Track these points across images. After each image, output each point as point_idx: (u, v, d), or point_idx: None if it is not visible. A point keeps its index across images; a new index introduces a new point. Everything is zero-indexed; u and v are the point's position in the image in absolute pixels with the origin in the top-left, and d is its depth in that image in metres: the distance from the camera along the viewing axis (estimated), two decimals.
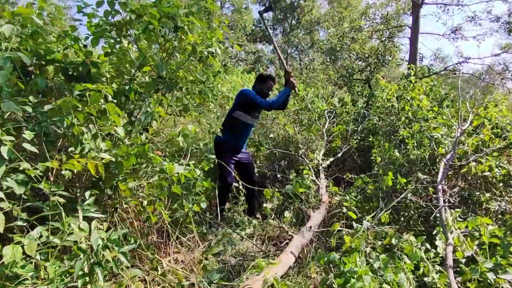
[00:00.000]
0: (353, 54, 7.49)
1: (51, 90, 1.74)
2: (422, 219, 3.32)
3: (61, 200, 1.22)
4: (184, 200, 2.33)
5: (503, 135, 3.39)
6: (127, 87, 2.12)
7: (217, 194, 3.40)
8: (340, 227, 2.96)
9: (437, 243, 2.49)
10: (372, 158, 3.57)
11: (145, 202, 1.83)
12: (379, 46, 7.34)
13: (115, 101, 1.72)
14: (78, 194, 1.62)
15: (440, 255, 2.39)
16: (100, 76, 2.14)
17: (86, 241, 1.31)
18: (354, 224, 2.33)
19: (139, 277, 1.91)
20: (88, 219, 1.80)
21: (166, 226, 2.42)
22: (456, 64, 7.41)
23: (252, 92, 3.23)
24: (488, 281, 1.86)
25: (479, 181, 3.15)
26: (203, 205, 2.64)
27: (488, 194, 2.91)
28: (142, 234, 2.24)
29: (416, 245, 2.45)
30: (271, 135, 5.40)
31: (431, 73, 6.25)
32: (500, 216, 2.73)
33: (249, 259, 2.73)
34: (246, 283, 1.83)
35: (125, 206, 1.90)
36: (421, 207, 3.27)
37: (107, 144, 1.74)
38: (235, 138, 3.34)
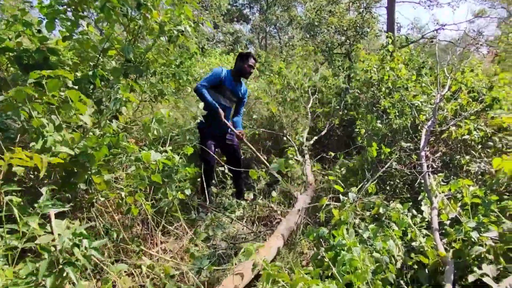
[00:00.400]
0: (331, 28, 7.37)
1: (6, 82, 1.59)
2: (408, 186, 3.38)
3: (17, 199, 1.11)
4: (167, 188, 2.25)
5: (480, 99, 3.42)
6: (91, 73, 1.97)
7: (202, 178, 3.35)
8: (328, 201, 2.97)
9: (422, 208, 2.53)
10: (356, 130, 3.55)
11: (123, 194, 1.74)
12: (357, 18, 7.23)
13: (76, 87, 1.59)
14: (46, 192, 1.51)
15: (426, 220, 2.43)
16: (61, 63, 1.98)
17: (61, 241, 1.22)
18: (341, 197, 2.31)
19: (125, 271, 1.85)
20: (63, 217, 1.70)
21: (152, 216, 2.35)
22: (433, 31, 7.42)
23: (210, 74, 3.20)
24: (472, 239, 1.89)
25: (459, 145, 3.20)
26: (188, 191, 2.57)
27: (468, 157, 2.96)
28: (125, 227, 2.16)
29: (403, 212, 2.49)
30: (254, 116, 5.31)
31: (409, 42, 6.23)
32: (480, 177, 2.79)
33: (240, 241, 2.71)
34: (236, 269, 1.80)
35: (102, 199, 1.80)
36: (406, 175, 3.31)
37: (75, 136, 1.62)
38: (214, 120, 3.27)
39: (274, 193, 3.41)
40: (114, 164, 1.78)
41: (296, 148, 3.98)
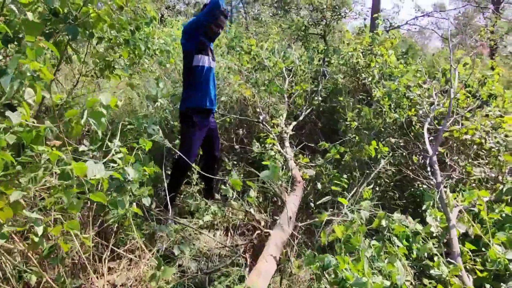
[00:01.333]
0: (307, 5, 6.80)
1: None
2: (397, 187, 3.07)
3: None
4: (116, 203, 1.61)
5: (478, 94, 3.16)
6: None
7: (170, 177, 2.70)
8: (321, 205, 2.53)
9: (427, 219, 2.19)
10: (347, 122, 3.10)
11: (39, 230, 1.08)
12: None
13: None
14: None
15: (434, 235, 2.10)
16: None
17: None
18: (349, 214, 1.86)
19: None
20: None
21: (94, 238, 1.70)
22: (414, 19, 7.22)
23: (191, 21, 2.51)
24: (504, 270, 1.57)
25: (455, 145, 2.92)
26: (147, 201, 1.95)
27: (470, 160, 2.68)
28: (54, 259, 1.50)
29: (407, 225, 2.14)
30: (223, 98, 4.64)
31: (391, 27, 5.93)
32: (484, 183, 2.52)
33: (214, 260, 2.17)
34: None
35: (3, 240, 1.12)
36: (394, 175, 2.98)
37: None
38: (204, 95, 2.59)
39: (252, 193, 2.89)
40: (25, 178, 1.10)
41: (275, 137, 3.45)
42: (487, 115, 3.10)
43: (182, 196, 3.21)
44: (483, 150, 2.86)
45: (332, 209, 2.37)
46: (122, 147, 1.87)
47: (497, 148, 2.60)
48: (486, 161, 2.78)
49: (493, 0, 10.66)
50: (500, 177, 2.45)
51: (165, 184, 2.56)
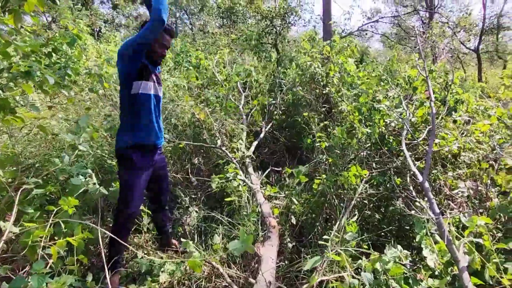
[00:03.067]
0: (255, 14, 6.52)
1: None
2: (375, 207, 2.80)
3: None
4: None
5: (444, 100, 3.03)
6: None
7: (111, 232, 2.09)
8: (292, 242, 2.11)
9: (424, 253, 1.90)
10: (316, 141, 2.77)
11: None
12: (282, 5, 6.53)
13: None
14: None
15: (434, 271, 1.81)
16: None
17: None
18: (347, 280, 1.47)
19: None
20: None
21: None
22: (364, 24, 7.28)
23: (128, 41, 1.95)
24: None
25: (432, 157, 2.72)
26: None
27: (450, 173, 2.48)
28: None
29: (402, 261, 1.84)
30: (173, 121, 4.09)
31: (344, 34, 5.86)
32: (471, 200, 2.31)
33: None
34: None
35: None
36: (374, 196, 2.71)
37: None
38: (147, 128, 2.08)
39: (216, 238, 2.41)
40: None
41: (237, 166, 3.01)
42: (455, 121, 2.98)
43: (130, 249, 2.62)
44: (458, 160, 2.70)
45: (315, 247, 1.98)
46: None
47: (476, 158, 2.44)
48: (464, 171, 2.61)
49: (427, 4, 11.40)
50: (485, 191, 2.26)
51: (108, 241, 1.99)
